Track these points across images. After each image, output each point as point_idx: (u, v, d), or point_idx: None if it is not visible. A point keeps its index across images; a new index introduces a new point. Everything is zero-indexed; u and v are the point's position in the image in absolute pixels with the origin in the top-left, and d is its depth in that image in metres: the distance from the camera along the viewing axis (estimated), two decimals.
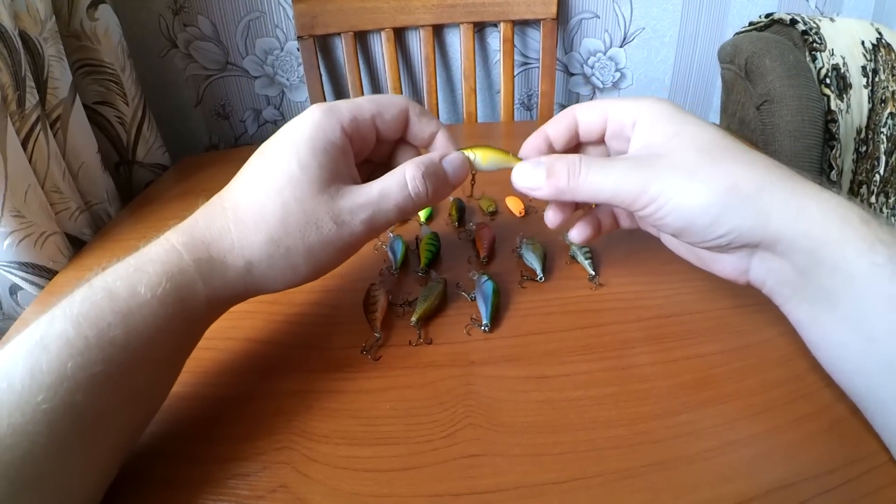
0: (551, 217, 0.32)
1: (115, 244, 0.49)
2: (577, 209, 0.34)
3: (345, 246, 0.28)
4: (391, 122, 0.30)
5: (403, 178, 0.28)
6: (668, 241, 0.33)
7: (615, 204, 0.28)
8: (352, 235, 0.27)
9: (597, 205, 0.35)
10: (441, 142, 0.32)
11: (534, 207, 0.48)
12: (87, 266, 0.24)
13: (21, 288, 0.46)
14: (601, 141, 0.32)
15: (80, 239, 0.53)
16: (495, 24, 0.85)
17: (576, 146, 0.33)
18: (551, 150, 0.32)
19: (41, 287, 0.46)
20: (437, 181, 0.29)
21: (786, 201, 0.24)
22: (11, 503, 0.19)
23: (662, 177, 0.26)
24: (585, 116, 0.31)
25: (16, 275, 0.45)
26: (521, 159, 0.31)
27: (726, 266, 0.28)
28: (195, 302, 0.25)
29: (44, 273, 0.46)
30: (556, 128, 0.31)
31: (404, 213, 0.29)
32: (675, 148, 0.26)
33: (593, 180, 0.27)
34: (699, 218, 0.25)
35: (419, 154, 0.32)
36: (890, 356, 0.22)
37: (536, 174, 0.29)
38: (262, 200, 0.26)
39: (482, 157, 0.31)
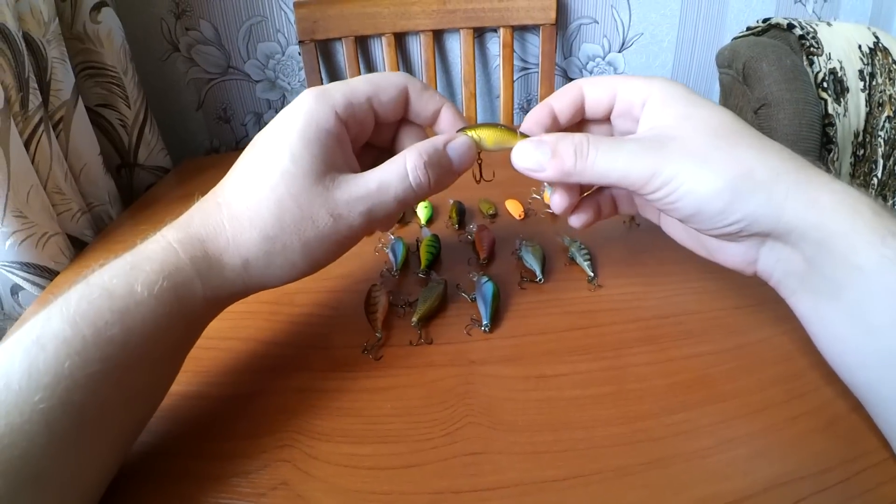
0: (558, 201, 0.30)
1: (116, 245, 0.49)
2: (583, 193, 0.32)
3: (342, 240, 0.27)
4: (389, 104, 0.28)
5: (404, 168, 0.26)
6: (671, 230, 0.31)
7: (623, 187, 0.26)
8: (349, 229, 0.26)
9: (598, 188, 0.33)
10: (446, 118, 0.30)
11: (533, 210, 0.48)
12: (88, 267, 0.25)
13: (22, 288, 0.46)
14: (606, 119, 0.30)
15: (81, 240, 0.53)
16: (495, 30, 0.85)
17: (579, 122, 0.31)
18: (555, 124, 0.30)
19: (42, 287, 0.46)
20: (441, 170, 0.27)
21: (799, 191, 0.24)
22: (10, 502, 0.19)
23: (674, 160, 0.25)
24: (593, 92, 0.29)
25: (17, 275, 0.45)
26: (527, 136, 0.28)
27: (734, 256, 0.27)
28: (193, 300, 0.25)
29: (45, 273, 0.46)
30: (562, 102, 0.30)
31: (405, 205, 0.27)
32: (687, 131, 0.25)
33: (602, 163, 0.26)
34: (711, 203, 0.24)
35: (424, 134, 0.31)
36: (893, 349, 0.22)
37: (539, 154, 0.27)
38: (257, 197, 0.25)
39: (487, 138, 0.29)
